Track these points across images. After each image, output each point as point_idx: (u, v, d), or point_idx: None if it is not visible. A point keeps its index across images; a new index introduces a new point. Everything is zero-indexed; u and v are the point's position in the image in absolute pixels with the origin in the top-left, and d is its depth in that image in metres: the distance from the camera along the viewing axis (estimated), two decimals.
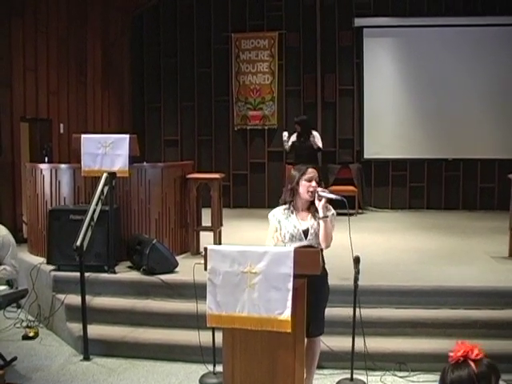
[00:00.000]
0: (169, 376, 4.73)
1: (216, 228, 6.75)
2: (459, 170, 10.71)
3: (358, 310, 4.42)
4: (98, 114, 10.36)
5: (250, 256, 3.22)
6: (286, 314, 3.13)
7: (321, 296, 3.86)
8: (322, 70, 10.89)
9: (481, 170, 10.62)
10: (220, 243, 6.64)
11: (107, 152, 5.98)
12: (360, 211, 10.37)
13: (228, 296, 3.24)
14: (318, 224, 3.84)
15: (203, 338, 4.65)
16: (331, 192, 3.97)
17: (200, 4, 11.28)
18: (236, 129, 11.28)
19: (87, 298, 5.19)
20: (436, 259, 6.45)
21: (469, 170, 10.65)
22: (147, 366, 4.92)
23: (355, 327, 4.44)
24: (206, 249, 3.34)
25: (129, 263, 6.13)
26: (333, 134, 11.00)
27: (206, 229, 6.82)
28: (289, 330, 3.14)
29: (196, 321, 4.66)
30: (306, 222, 3.86)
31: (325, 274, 3.90)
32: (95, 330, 5.19)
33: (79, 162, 6.20)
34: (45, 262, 6.10)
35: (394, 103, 10.79)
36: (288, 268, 3.15)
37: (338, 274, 5.20)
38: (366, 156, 10.92)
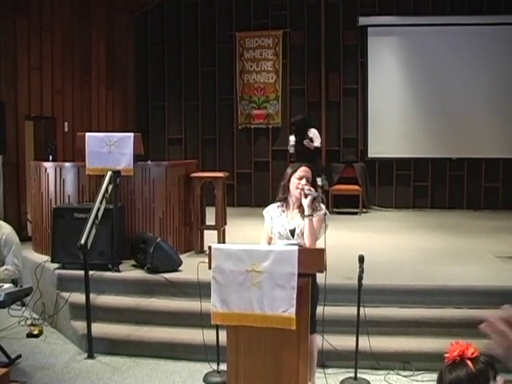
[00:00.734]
0: (173, 374, 4.73)
1: (220, 227, 6.75)
2: (463, 169, 10.68)
3: (362, 309, 4.42)
4: (103, 112, 10.37)
5: (254, 255, 3.22)
6: (291, 312, 3.14)
7: (312, 295, 3.85)
8: (327, 69, 10.88)
9: (485, 169, 10.59)
10: (224, 242, 6.64)
11: (112, 150, 5.99)
12: (364, 210, 10.36)
13: (232, 294, 3.25)
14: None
15: (207, 336, 4.65)
16: (316, 191, 3.96)
17: (204, 3, 11.28)
18: (240, 127, 11.28)
19: (91, 296, 5.20)
20: (440, 258, 6.44)
21: (473, 170, 10.62)
22: (151, 364, 4.93)
23: (359, 326, 4.44)
24: (210, 247, 3.34)
25: (133, 261, 6.13)
26: (337, 133, 10.99)
27: (210, 227, 6.82)
28: (293, 327, 3.14)
29: (200, 319, 4.66)
30: (295, 221, 3.89)
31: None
32: (99, 329, 5.19)
33: (84, 160, 6.22)
34: (49, 260, 6.11)
35: (399, 102, 10.77)
36: (292, 267, 3.15)
37: (342, 272, 5.20)
38: (370, 155, 10.91)
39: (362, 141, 10.96)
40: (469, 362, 2.02)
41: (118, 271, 5.85)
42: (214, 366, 4.64)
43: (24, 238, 7.41)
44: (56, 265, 6.00)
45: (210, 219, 6.89)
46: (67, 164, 6.78)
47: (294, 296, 3.14)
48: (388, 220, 9.52)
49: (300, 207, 3.90)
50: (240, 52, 11.17)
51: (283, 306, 3.15)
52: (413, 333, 4.95)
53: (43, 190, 6.63)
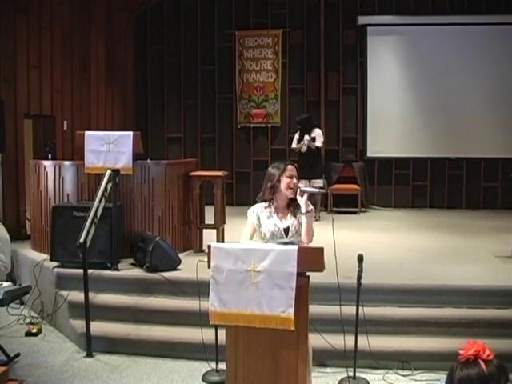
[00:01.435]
0: (171, 373, 4.73)
1: (219, 226, 6.75)
2: (462, 168, 10.68)
3: (361, 308, 4.43)
4: (102, 111, 10.36)
5: (253, 254, 3.21)
6: (290, 313, 3.13)
7: None
8: (326, 69, 10.87)
9: (484, 169, 10.60)
10: (223, 241, 6.64)
11: (111, 149, 5.98)
12: (363, 209, 10.36)
13: (231, 294, 3.24)
14: (299, 221, 3.87)
15: (206, 335, 4.65)
16: (312, 186, 4.00)
17: (204, 1, 11.27)
18: (239, 126, 11.27)
19: (90, 294, 5.20)
20: (439, 258, 6.44)
21: (472, 169, 10.63)
22: (150, 363, 4.93)
23: (358, 325, 4.44)
24: (209, 246, 3.33)
25: (132, 260, 6.13)
26: (336, 132, 10.99)
27: (209, 226, 6.82)
28: (292, 328, 3.14)
29: (199, 318, 4.65)
30: (287, 220, 3.91)
31: None
32: (98, 327, 5.19)
33: (83, 158, 6.21)
34: (48, 258, 6.10)
35: (398, 102, 10.77)
36: (291, 267, 3.15)
37: (341, 272, 5.19)
38: (369, 154, 10.90)
39: (361, 140, 10.96)
40: (482, 363, 2.03)
41: (117, 270, 5.84)
42: (213, 364, 4.64)
43: (23, 237, 7.42)
44: (55, 263, 5.99)
45: (209, 218, 6.89)
46: (66, 162, 6.77)
47: (293, 296, 3.13)
48: (387, 219, 9.52)
49: (288, 206, 3.93)
50: (239, 51, 11.17)
51: (282, 306, 3.14)
52: (412, 332, 4.95)
53: (42, 189, 6.63)
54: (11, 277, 5.42)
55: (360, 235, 7.85)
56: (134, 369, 4.82)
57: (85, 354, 5.08)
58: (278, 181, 3.90)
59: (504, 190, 10.43)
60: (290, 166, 3.95)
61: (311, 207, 3.98)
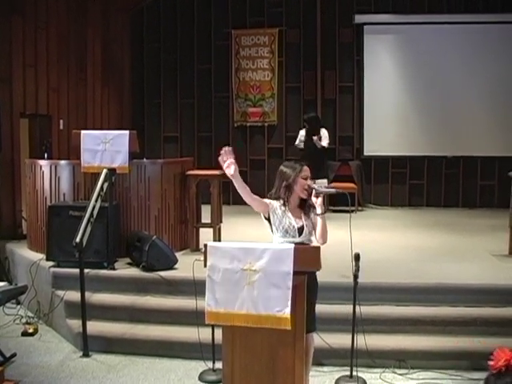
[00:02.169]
0: (168, 373, 4.72)
1: (216, 225, 6.75)
2: (459, 167, 10.70)
3: (357, 307, 4.42)
4: (98, 110, 10.34)
5: (249, 253, 3.20)
6: (286, 312, 3.12)
7: (311, 292, 3.84)
8: (322, 67, 10.87)
9: (481, 167, 10.61)
10: (219, 240, 6.64)
11: (107, 148, 5.96)
12: (360, 208, 10.37)
13: (227, 293, 3.23)
14: (312, 221, 3.86)
15: (203, 334, 4.65)
16: (328, 187, 3.98)
17: (200, 0, 11.26)
18: (236, 125, 11.27)
19: (87, 294, 5.19)
20: (436, 257, 6.44)
21: (469, 168, 10.64)
22: (147, 362, 4.92)
23: (355, 324, 4.44)
24: (205, 245, 3.32)
25: (128, 260, 6.12)
26: (333, 131, 10.95)
27: (206, 225, 6.81)
28: (288, 328, 3.13)
29: (195, 317, 4.65)
30: (301, 220, 3.89)
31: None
32: (94, 327, 5.18)
33: (79, 158, 6.19)
34: (44, 258, 6.09)
35: (394, 100, 10.78)
36: (288, 266, 3.13)
37: (338, 271, 5.20)
38: (365, 153, 10.91)
39: (358, 139, 10.97)
40: None
41: (114, 269, 5.84)
42: (210, 364, 4.64)
43: (19, 236, 7.40)
44: (51, 263, 5.98)
45: (206, 217, 6.88)
46: (62, 162, 6.76)
47: (289, 296, 3.12)
48: (384, 218, 9.53)
49: (300, 206, 3.91)
50: (236, 50, 11.16)
51: (278, 305, 3.13)
52: (408, 331, 4.95)
53: (38, 188, 6.61)
54: (7, 276, 5.42)
55: (356, 234, 7.73)
56: (130, 368, 4.81)
57: (81, 353, 5.08)
58: (294, 181, 3.89)
59: (501, 189, 10.41)
60: (305, 167, 3.94)
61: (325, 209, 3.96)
